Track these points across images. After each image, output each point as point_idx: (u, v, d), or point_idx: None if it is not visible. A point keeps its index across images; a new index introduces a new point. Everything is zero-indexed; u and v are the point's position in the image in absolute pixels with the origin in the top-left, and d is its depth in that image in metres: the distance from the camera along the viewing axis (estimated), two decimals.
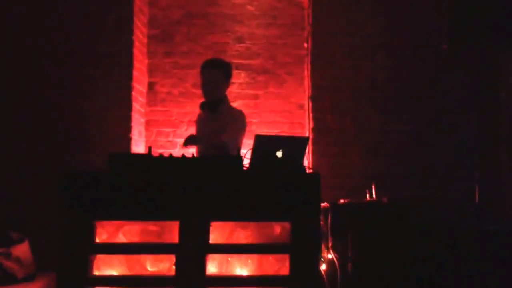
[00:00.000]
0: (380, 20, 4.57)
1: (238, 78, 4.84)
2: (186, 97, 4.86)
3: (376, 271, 3.65)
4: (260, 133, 3.44)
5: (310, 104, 4.57)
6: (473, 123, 4.51)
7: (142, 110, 4.72)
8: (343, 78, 4.53)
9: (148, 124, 4.84)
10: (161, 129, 4.86)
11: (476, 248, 3.89)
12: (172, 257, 2.47)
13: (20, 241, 3.64)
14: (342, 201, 3.84)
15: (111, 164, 2.49)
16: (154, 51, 4.90)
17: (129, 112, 4.35)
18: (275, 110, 4.89)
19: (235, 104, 4.23)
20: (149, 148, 2.59)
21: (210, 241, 2.47)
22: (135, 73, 4.44)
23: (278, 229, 2.61)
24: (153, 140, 4.80)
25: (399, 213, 3.79)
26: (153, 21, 4.92)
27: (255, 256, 2.61)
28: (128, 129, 4.33)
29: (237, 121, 3.76)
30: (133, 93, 4.39)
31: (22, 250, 3.61)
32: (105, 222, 2.55)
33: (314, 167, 4.27)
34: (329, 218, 3.65)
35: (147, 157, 2.55)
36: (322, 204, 3.54)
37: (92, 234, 2.48)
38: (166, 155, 2.55)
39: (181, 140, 3.80)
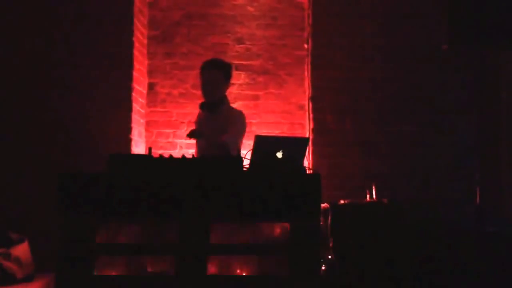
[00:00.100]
0: (380, 20, 4.57)
1: (238, 79, 4.84)
2: (186, 98, 4.86)
3: (376, 271, 3.65)
4: (260, 134, 3.44)
5: (310, 104, 4.57)
6: (473, 123, 4.51)
7: (142, 111, 4.72)
8: (343, 78, 4.53)
9: (148, 125, 4.84)
10: (161, 130, 4.86)
11: (476, 248, 3.89)
12: (172, 258, 2.47)
13: (20, 241, 3.65)
14: (342, 201, 3.85)
15: (111, 164, 2.49)
16: (154, 52, 4.90)
17: (129, 113, 4.35)
18: (275, 110, 4.89)
19: (235, 105, 4.22)
20: (149, 149, 2.60)
21: (210, 242, 2.47)
22: (135, 74, 4.44)
23: (278, 229, 2.61)
24: (153, 141, 4.80)
25: (399, 214, 3.79)
26: (153, 22, 4.91)
27: (255, 257, 2.60)
28: (128, 130, 4.34)
29: (237, 121, 3.76)
30: (133, 94, 4.40)
31: (22, 250, 3.61)
32: (105, 223, 2.55)
33: (314, 167, 4.27)
34: (329, 218, 3.65)
35: (147, 157, 2.55)
36: (322, 205, 3.54)
37: (92, 234, 2.48)
38: (166, 156, 2.54)
39: (181, 141, 3.80)
